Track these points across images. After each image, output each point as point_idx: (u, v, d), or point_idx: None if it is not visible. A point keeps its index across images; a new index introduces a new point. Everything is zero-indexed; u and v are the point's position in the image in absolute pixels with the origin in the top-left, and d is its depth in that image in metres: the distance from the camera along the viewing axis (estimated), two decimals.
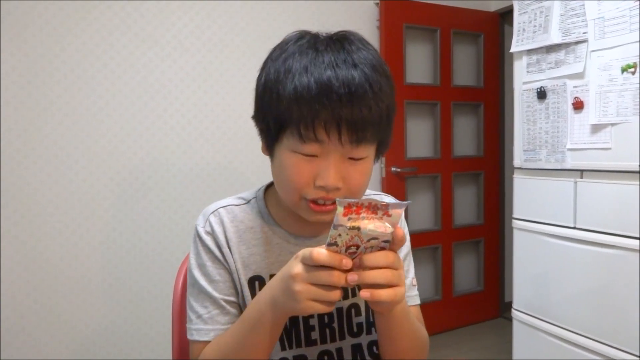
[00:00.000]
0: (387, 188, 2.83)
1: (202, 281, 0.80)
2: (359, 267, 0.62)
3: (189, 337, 0.81)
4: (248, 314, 0.73)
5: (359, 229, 0.59)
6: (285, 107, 0.70)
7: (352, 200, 0.57)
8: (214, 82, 2.39)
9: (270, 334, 0.71)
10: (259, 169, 2.47)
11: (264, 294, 0.71)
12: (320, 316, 0.83)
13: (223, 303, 0.80)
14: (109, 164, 2.19)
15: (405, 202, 0.60)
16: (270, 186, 0.90)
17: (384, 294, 0.62)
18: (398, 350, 0.79)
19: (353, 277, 0.61)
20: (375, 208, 0.58)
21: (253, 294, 0.81)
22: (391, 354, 0.80)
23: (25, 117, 2.03)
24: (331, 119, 0.68)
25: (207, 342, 0.79)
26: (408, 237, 0.91)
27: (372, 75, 0.70)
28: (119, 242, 2.22)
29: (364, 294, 0.62)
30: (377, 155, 0.79)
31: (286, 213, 0.84)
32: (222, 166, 2.42)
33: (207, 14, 2.37)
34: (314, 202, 0.74)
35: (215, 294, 0.80)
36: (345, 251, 0.61)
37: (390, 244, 0.63)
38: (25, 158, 2.04)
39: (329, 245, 0.60)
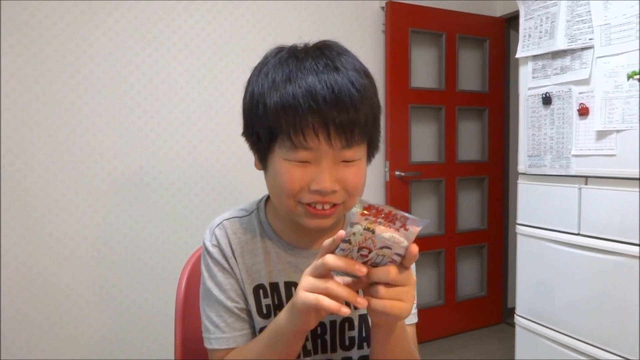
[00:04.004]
0: (390, 192, 2.83)
1: (216, 291, 0.83)
2: (367, 278, 0.62)
3: (207, 346, 0.83)
4: (267, 328, 0.76)
5: (373, 232, 0.59)
6: (273, 117, 0.71)
7: (374, 203, 0.57)
8: (219, 84, 2.40)
9: (285, 349, 0.72)
10: (262, 172, 2.47)
11: (282, 311, 0.73)
12: (314, 327, 0.84)
13: (237, 311, 0.83)
14: (114, 165, 2.20)
15: (425, 220, 0.59)
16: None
17: (379, 305, 0.62)
18: None
19: (363, 302, 0.62)
20: (393, 218, 0.58)
21: (257, 302, 0.84)
22: None
23: (31, 118, 2.04)
24: (319, 123, 0.69)
25: (227, 349, 0.82)
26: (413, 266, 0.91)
27: (355, 76, 0.72)
28: (122, 244, 2.23)
29: (362, 301, 0.62)
30: (369, 156, 0.81)
31: (284, 224, 0.86)
32: (227, 168, 2.43)
33: (213, 17, 2.38)
34: (311, 206, 0.75)
35: (228, 303, 0.82)
36: (357, 252, 0.61)
37: (403, 258, 0.62)
38: (31, 158, 2.05)
39: (343, 241, 0.60)
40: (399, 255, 0.62)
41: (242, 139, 0.87)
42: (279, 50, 0.78)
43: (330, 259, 0.61)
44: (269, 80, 0.74)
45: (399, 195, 2.86)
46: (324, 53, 0.74)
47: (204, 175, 2.39)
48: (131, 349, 2.26)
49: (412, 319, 0.89)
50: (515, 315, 2.12)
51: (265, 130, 0.74)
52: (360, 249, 0.61)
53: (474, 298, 3.23)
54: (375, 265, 0.63)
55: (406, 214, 0.59)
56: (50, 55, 2.06)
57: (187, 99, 2.33)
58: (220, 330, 0.82)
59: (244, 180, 2.46)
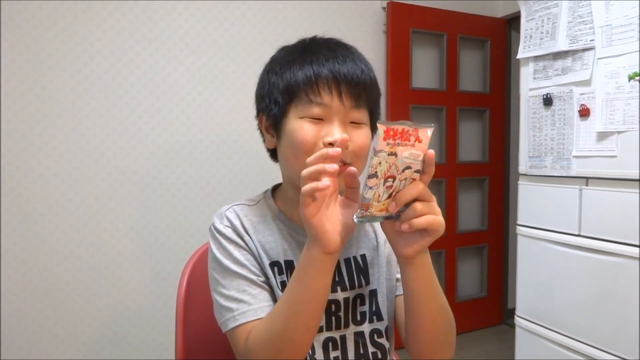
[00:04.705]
0: None
1: (235, 267, 0.83)
2: (396, 204, 0.65)
3: (230, 325, 0.80)
4: (291, 279, 0.76)
5: (396, 155, 0.60)
6: (292, 78, 0.82)
7: (390, 124, 0.58)
8: (219, 84, 2.40)
9: (315, 284, 0.73)
10: (262, 170, 2.48)
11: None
12: (328, 305, 0.85)
13: (260, 282, 0.83)
14: (114, 165, 2.20)
15: (431, 125, 0.62)
16: (276, 188, 0.96)
17: (422, 220, 0.66)
18: (427, 315, 0.79)
19: (404, 226, 0.66)
20: (407, 135, 0.59)
21: (274, 278, 0.85)
22: (418, 323, 0.80)
23: (31, 117, 2.04)
24: (333, 81, 0.80)
25: (255, 321, 0.79)
26: None
27: (360, 56, 0.87)
28: (122, 244, 2.23)
29: (404, 226, 0.67)
30: (371, 126, 0.88)
31: (293, 208, 0.90)
32: (227, 168, 2.43)
33: (214, 17, 2.38)
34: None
35: (252, 276, 0.83)
36: (384, 184, 0.61)
37: (421, 173, 0.65)
38: (31, 157, 2.05)
39: (370, 177, 0.61)
40: (417, 172, 0.63)
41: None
42: (286, 45, 0.90)
43: (303, 172, 0.67)
44: (283, 61, 0.85)
45: None
46: (332, 39, 0.88)
47: (204, 175, 2.38)
48: (131, 349, 2.25)
49: None
50: (515, 316, 2.12)
51: (283, 92, 0.83)
52: (385, 180, 0.61)
53: (474, 299, 3.23)
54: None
55: (416, 125, 0.59)
56: (51, 55, 2.06)
57: (187, 99, 2.33)
58: (246, 304, 0.80)
59: (244, 180, 2.46)
